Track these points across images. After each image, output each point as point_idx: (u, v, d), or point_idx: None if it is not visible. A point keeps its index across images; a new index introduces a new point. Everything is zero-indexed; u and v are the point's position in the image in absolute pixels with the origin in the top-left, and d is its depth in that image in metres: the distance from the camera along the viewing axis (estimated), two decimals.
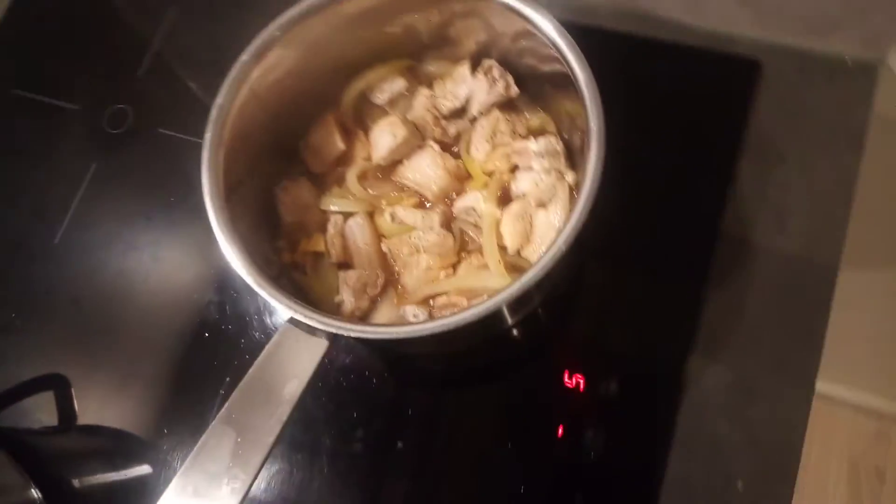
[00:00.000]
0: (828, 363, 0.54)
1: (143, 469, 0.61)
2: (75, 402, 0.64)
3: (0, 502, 0.56)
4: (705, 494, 0.53)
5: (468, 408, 0.58)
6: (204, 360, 0.62)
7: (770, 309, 0.56)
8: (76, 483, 0.61)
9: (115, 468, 0.62)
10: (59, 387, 0.66)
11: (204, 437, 0.42)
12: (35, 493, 0.58)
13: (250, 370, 0.44)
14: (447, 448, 0.57)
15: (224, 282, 0.64)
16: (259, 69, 0.51)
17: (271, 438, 0.42)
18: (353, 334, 0.44)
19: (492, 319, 0.44)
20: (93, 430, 0.64)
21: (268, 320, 0.62)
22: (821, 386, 0.54)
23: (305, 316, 0.44)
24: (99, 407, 0.64)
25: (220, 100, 0.50)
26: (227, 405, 0.43)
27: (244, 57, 0.50)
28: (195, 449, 0.42)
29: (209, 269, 0.65)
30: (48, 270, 0.68)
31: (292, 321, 0.45)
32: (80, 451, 0.64)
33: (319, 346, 0.44)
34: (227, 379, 0.60)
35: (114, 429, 0.63)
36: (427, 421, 0.58)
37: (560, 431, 0.55)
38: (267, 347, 0.45)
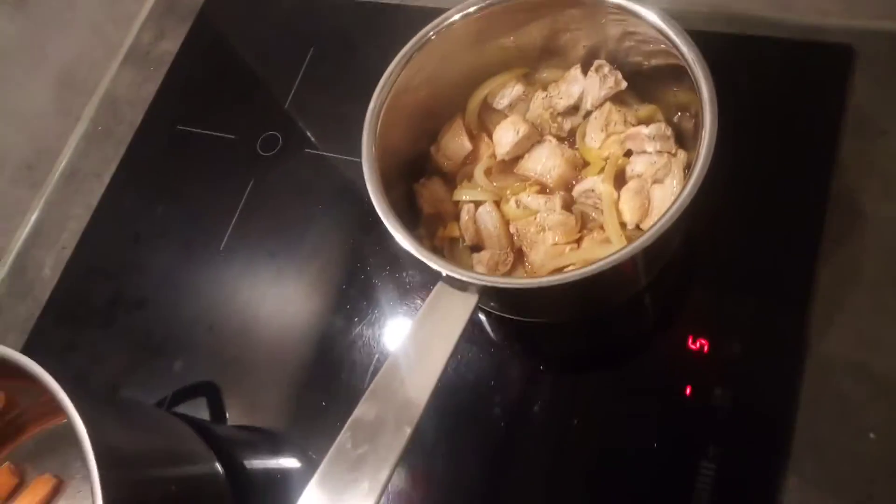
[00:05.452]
0: None
1: (291, 462, 0.67)
2: (225, 407, 0.71)
3: (193, 471, 0.63)
4: (837, 447, 0.54)
5: (599, 378, 0.62)
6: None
7: (885, 270, 0.58)
8: (246, 464, 0.67)
9: (273, 455, 0.68)
10: (211, 393, 0.73)
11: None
12: (218, 466, 0.65)
13: (412, 324, 0.50)
14: (582, 416, 0.60)
15: (365, 274, 0.71)
16: (402, 77, 0.59)
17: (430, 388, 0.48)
18: (501, 285, 0.50)
19: (626, 271, 0.49)
20: (243, 429, 0.70)
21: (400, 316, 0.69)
22: None
23: (458, 273, 0.50)
24: (246, 411, 0.70)
25: (372, 104, 0.58)
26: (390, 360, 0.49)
27: (391, 67, 0.59)
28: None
29: (353, 262, 0.72)
30: (213, 276, 0.77)
31: (446, 279, 0.51)
32: (237, 441, 0.70)
33: (470, 300, 0.50)
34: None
35: (262, 428, 0.69)
36: (560, 393, 0.62)
37: (688, 391, 0.58)
38: (426, 303, 0.51)
